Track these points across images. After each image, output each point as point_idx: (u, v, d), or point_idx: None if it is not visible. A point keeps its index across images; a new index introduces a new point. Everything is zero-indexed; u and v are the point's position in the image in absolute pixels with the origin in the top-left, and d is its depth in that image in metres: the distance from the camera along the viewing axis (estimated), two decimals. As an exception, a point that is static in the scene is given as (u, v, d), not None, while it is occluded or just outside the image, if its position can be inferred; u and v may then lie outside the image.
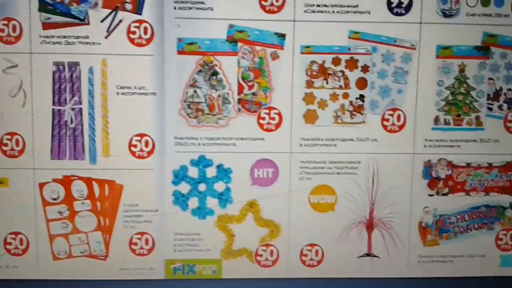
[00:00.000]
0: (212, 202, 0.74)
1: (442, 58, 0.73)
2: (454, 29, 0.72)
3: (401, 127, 0.74)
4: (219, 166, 0.73)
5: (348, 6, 0.71)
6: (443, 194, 0.75)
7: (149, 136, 0.72)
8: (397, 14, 0.72)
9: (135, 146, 0.72)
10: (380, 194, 0.75)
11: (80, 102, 0.71)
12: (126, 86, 0.71)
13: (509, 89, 0.74)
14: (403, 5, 0.71)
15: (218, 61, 0.71)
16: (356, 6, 0.71)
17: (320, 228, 0.75)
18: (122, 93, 0.71)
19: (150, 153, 0.72)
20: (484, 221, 0.76)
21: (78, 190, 0.73)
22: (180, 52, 0.71)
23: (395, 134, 0.74)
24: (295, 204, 0.75)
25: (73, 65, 0.70)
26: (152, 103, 0.71)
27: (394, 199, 0.75)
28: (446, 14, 0.72)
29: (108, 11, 0.69)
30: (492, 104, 0.74)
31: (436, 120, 0.74)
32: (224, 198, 0.74)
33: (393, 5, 0.71)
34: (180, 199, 0.74)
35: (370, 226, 0.75)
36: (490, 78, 0.73)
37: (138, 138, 0.72)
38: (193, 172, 0.73)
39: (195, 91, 0.71)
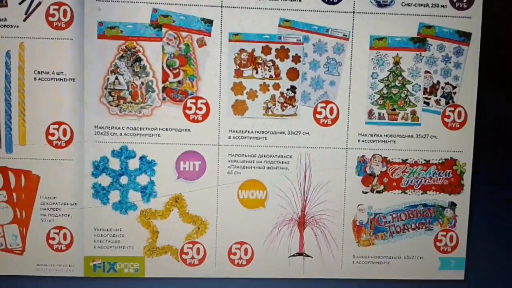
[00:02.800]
0: (134, 196, 0.70)
1: (376, 50, 0.70)
2: (388, 19, 0.70)
3: (334, 120, 0.71)
4: (142, 158, 0.70)
5: (278, -7, 0.69)
6: (378, 192, 0.72)
7: (67, 125, 0.68)
8: (329, 2, 0.69)
9: (53, 134, 0.68)
10: (312, 190, 0.71)
11: (-4, 88, 0.68)
12: (44, 71, 0.68)
13: (446, 83, 0.71)
14: (336, -7, 0.69)
15: (141, 47, 0.68)
16: (287, -7, 0.69)
17: (250, 225, 0.72)
18: (40, 79, 0.68)
19: (68, 142, 0.69)
20: (422, 221, 0.72)
21: (-6, 181, 0.70)
22: (101, 36, 0.67)
23: (328, 128, 0.71)
24: (223, 199, 0.71)
25: (-11, 49, 0.67)
26: (71, 90, 0.68)
27: (327, 195, 0.71)
28: (380, 4, 0.69)
29: (26, -8, 0.67)
30: (429, 99, 0.71)
31: (370, 114, 0.71)
32: (147, 192, 0.70)
33: (325, -7, 0.69)
34: (101, 192, 0.70)
35: (302, 223, 0.72)
36: (426, 71, 0.71)
37: (56, 126, 0.68)
38: (114, 163, 0.70)
39: (116, 78, 0.68)
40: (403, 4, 0.70)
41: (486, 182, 0.72)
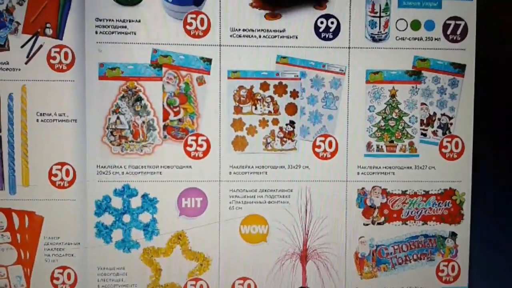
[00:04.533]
0: (137, 234, 0.71)
1: (372, 83, 0.71)
2: (383, 53, 0.71)
3: (333, 153, 0.71)
4: (144, 196, 0.70)
5: (275, 31, 0.70)
6: (379, 223, 0.72)
7: (70, 165, 0.69)
8: (325, 38, 0.70)
9: (56, 175, 0.69)
10: (313, 223, 0.72)
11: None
12: (46, 112, 0.68)
13: (443, 114, 0.72)
14: (331, 30, 0.70)
15: (142, 87, 0.69)
16: (283, 30, 0.70)
17: (252, 261, 0.72)
18: (42, 120, 0.69)
19: (71, 182, 0.69)
20: (423, 252, 0.73)
21: (-3, 222, 0.70)
22: (102, 77, 0.69)
23: (327, 161, 0.71)
24: (225, 235, 0.71)
25: (-8, 92, 0.68)
26: (73, 130, 0.69)
27: (329, 229, 0.72)
28: (375, 39, 0.71)
29: (28, 36, 0.68)
30: (426, 130, 0.72)
31: (369, 146, 0.71)
32: (149, 229, 0.71)
33: (321, 29, 0.70)
34: (103, 231, 0.70)
35: (304, 257, 0.72)
36: (423, 103, 0.72)
37: (59, 167, 0.69)
38: (116, 202, 0.70)
39: (118, 118, 0.69)
40: (397, 38, 0.71)
41: (486, 211, 0.73)
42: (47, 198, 0.69)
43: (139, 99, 0.69)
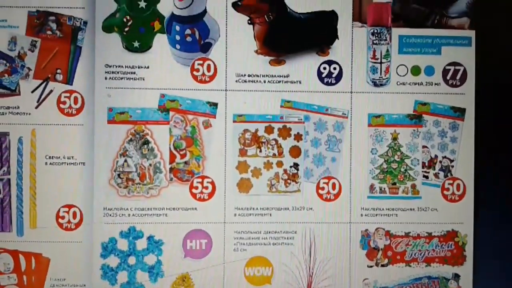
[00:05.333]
0: (142, 276, 0.71)
1: (374, 127, 0.73)
2: (385, 98, 0.73)
3: (336, 195, 0.72)
4: (150, 238, 0.71)
5: (279, 76, 0.72)
6: (383, 265, 0.73)
7: (77, 207, 0.70)
8: (328, 83, 0.72)
9: (63, 217, 0.70)
10: (318, 265, 0.72)
11: (8, 173, 0.70)
12: (55, 156, 0.70)
13: (444, 157, 0.73)
14: (334, 75, 0.72)
15: (149, 130, 0.71)
16: (288, 76, 0.72)
17: (257, 302, 0.72)
18: (51, 163, 0.70)
19: (78, 225, 0.70)
20: (427, 293, 0.73)
21: (4, 264, 0.70)
22: (111, 121, 0.70)
23: (331, 203, 0.72)
24: (230, 277, 0.72)
25: (3, 136, 0.70)
26: (81, 173, 0.70)
27: (333, 271, 0.72)
28: (376, 84, 0.73)
29: (39, 81, 0.70)
30: (428, 172, 0.73)
31: (372, 188, 0.73)
32: (155, 271, 0.71)
33: (324, 75, 0.72)
34: (109, 273, 0.71)
35: (308, 299, 0.72)
36: (424, 146, 0.73)
37: (66, 209, 0.70)
38: (122, 244, 0.71)
39: (125, 161, 0.71)
40: (398, 83, 0.73)
41: (488, 252, 0.73)
42: (54, 240, 0.70)
43: (147, 142, 0.71)
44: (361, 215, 0.72)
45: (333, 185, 0.72)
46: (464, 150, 0.73)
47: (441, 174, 0.73)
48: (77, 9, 0.70)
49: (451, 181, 0.73)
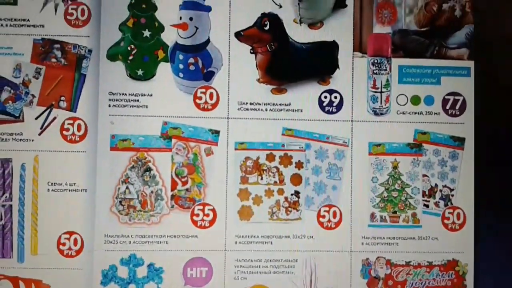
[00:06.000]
0: (142, 303, 0.71)
1: (375, 155, 0.73)
2: (385, 126, 0.73)
3: (337, 223, 0.73)
4: (150, 266, 0.71)
5: (281, 105, 0.73)
6: (384, 294, 0.73)
7: (78, 234, 0.70)
8: (328, 112, 0.73)
9: (64, 244, 0.70)
10: (318, 294, 0.72)
11: (10, 199, 0.70)
12: (57, 182, 0.70)
13: (444, 186, 0.74)
14: (334, 104, 0.73)
15: (151, 157, 0.71)
16: (289, 104, 0.73)
17: (257, 331, 0.72)
18: (53, 190, 0.70)
19: (79, 251, 0.70)
20: (428, 323, 0.73)
21: (4, 290, 0.70)
22: (113, 148, 0.71)
23: (331, 231, 0.72)
24: (230, 305, 0.72)
25: (6, 162, 0.70)
26: (83, 200, 0.70)
27: (333, 299, 0.72)
28: (376, 113, 0.73)
29: (43, 108, 0.70)
30: (428, 201, 0.74)
31: (372, 216, 0.73)
32: (155, 299, 0.71)
33: (325, 103, 0.73)
34: (109, 300, 0.70)
35: (309, 328, 0.72)
36: (424, 175, 0.74)
37: (67, 236, 0.70)
38: (123, 272, 0.71)
39: (127, 188, 0.71)
40: (398, 112, 0.74)
41: (489, 282, 0.73)
42: (55, 266, 0.70)
43: (149, 169, 0.71)
44: (362, 243, 0.73)
45: (334, 213, 0.73)
46: (464, 179, 0.74)
47: (442, 203, 0.74)
48: (82, 37, 0.71)
49: (451, 210, 0.74)
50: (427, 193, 0.74)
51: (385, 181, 0.73)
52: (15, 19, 0.70)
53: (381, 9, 0.74)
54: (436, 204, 0.74)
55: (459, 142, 0.74)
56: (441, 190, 0.74)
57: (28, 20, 0.71)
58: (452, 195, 0.74)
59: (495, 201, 0.74)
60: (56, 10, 0.71)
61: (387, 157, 0.73)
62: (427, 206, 0.73)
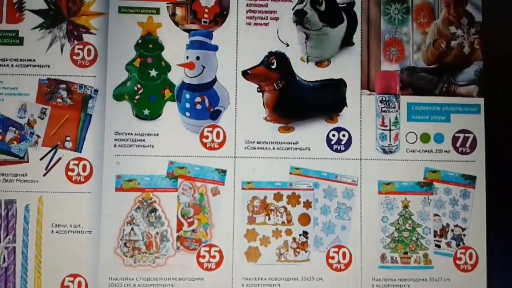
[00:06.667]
0: None
1: (385, 194, 0.72)
2: (395, 165, 0.72)
3: (347, 265, 0.71)
4: (156, 309, 0.69)
5: (288, 143, 0.72)
6: (395, 339, 0.71)
7: (82, 277, 0.69)
8: (337, 150, 0.72)
9: (68, 287, 0.68)
10: (328, 338, 0.70)
11: (14, 241, 0.69)
12: (62, 224, 0.69)
13: (456, 225, 0.72)
14: (343, 142, 0.72)
15: (157, 198, 0.70)
16: (297, 143, 0.72)
17: None
18: (57, 231, 0.69)
19: (82, 294, 0.69)
20: None
21: (5, 334, 0.69)
22: (119, 189, 0.70)
23: (341, 273, 0.71)
24: None
25: (10, 203, 0.69)
26: (87, 242, 0.69)
27: None
28: (386, 151, 0.72)
29: (48, 149, 0.70)
30: (440, 241, 0.72)
31: (383, 258, 0.71)
32: None
33: (333, 142, 0.72)
34: None
35: None
36: (435, 214, 0.72)
37: (71, 279, 0.69)
38: (127, 315, 0.69)
39: (132, 229, 0.70)
40: (408, 150, 0.73)
41: (504, 325, 0.71)
42: (58, 311, 0.68)
43: (154, 210, 0.70)
44: (373, 285, 0.71)
45: (344, 254, 0.71)
46: (475, 218, 0.72)
47: (453, 243, 0.72)
48: (88, 77, 0.71)
49: (463, 250, 0.72)
50: (438, 233, 0.72)
51: (395, 221, 0.72)
52: (20, 59, 0.70)
53: (389, 47, 0.74)
54: (448, 244, 0.72)
55: (470, 180, 0.72)
56: (452, 230, 0.72)
57: (34, 60, 0.70)
58: (464, 235, 0.72)
59: (508, 241, 0.72)
60: (62, 50, 0.71)
61: (397, 196, 0.72)
62: (438, 246, 0.72)
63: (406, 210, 0.72)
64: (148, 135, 0.71)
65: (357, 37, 0.74)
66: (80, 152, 0.70)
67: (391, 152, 0.72)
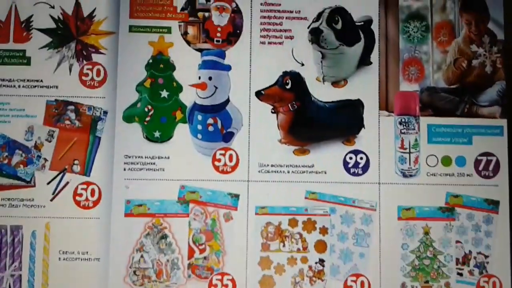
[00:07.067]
0: None
1: (405, 220, 0.69)
2: (415, 189, 0.70)
3: (365, 294, 0.68)
4: None
5: (303, 166, 0.69)
6: None
7: (90, 306, 0.66)
8: (354, 174, 0.69)
9: (75, 316, 0.66)
10: None
11: (20, 268, 0.67)
12: (69, 251, 0.67)
13: (479, 253, 0.69)
14: (360, 165, 0.70)
15: (168, 223, 0.68)
16: (312, 166, 0.69)
17: None
18: (64, 259, 0.66)
19: (90, 324, 0.66)
20: None
21: None
22: (128, 214, 0.67)
23: (359, 302, 0.68)
24: None
25: (16, 229, 0.67)
26: (96, 270, 0.66)
27: None
28: (405, 174, 0.70)
29: (55, 173, 0.68)
30: (462, 269, 0.69)
31: (403, 287, 0.68)
32: None
33: (350, 165, 0.70)
34: None
35: None
36: (457, 241, 0.69)
37: (78, 308, 0.66)
38: None
39: (142, 256, 0.67)
40: (429, 174, 0.70)
41: None
42: None
43: (165, 236, 0.67)
44: (392, 316, 0.68)
45: (362, 283, 0.68)
46: (499, 245, 0.69)
47: (476, 271, 0.69)
48: (97, 98, 0.69)
49: (486, 279, 0.69)
50: (460, 260, 0.69)
51: (416, 248, 0.69)
52: (28, 80, 0.68)
53: (408, 66, 0.71)
54: (471, 272, 0.69)
55: (493, 205, 0.70)
56: (475, 257, 0.69)
57: (42, 81, 0.69)
58: (487, 263, 0.69)
59: (534, 269, 0.69)
60: (70, 70, 0.69)
61: (418, 222, 0.69)
62: (461, 274, 0.69)
63: (427, 236, 0.69)
64: (158, 158, 0.68)
65: (374, 56, 0.71)
66: (89, 176, 0.68)
67: (411, 176, 0.70)
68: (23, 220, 0.67)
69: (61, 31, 0.70)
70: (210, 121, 0.69)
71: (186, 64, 0.70)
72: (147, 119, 0.69)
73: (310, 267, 0.68)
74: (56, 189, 0.67)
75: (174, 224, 0.68)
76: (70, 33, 0.70)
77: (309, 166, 0.69)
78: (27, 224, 0.67)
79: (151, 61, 0.69)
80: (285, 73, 0.70)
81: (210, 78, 0.69)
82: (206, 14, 0.71)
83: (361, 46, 0.71)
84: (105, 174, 0.68)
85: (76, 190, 0.67)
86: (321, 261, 0.68)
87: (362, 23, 0.72)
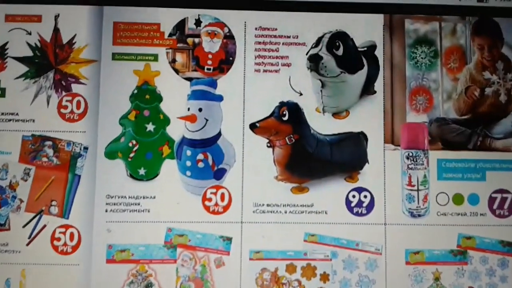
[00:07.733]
0: None
1: (413, 264, 0.64)
2: (424, 230, 0.65)
3: None
4: None
5: (302, 206, 0.64)
6: None
7: None
8: (358, 214, 0.64)
9: None
10: None
11: (-8, 319, 0.62)
12: (46, 300, 0.61)
13: (494, 300, 0.64)
14: (364, 205, 0.65)
15: (153, 270, 0.63)
16: (312, 205, 0.64)
17: None
18: (40, 309, 0.61)
19: None
20: None
21: None
22: (110, 260, 0.62)
23: None
24: None
25: (-12, 276, 0.62)
26: (75, 322, 0.61)
27: None
28: (413, 214, 0.65)
29: (31, 215, 0.63)
30: (476, 318, 0.63)
31: None
32: None
33: (353, 204, 0.65)
34: None
35: None
36: (470, 287, 0.64)
37: None
38: None
39: (125, 307, 0.62)
40: (439, 214, 0.65)
41: None
42: None
43: (150, 285, 0.62)
44: None
45: (366, 334, 0.63)
46: (517, 291, 0.64)
47: (492, 320, 0.63)
48: (77, 133, 0.64)
49: (504, 328, 0.63)
50: (474, 308, 0.64)
51: (425, 296, 0.64)
52: (2, 113, 0.64)
53: (415, 95, 0.67)
54: (486, 322, 0.63)
55: (509, 247, 0.65)
56: (490, 305, 0.64)
57: (17, 114, 0.64)
58: (505, 311, 0.64)
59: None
60: (48, 102, 0.64)
61: (427, 266, 0.64)
62: (475, 324, 0.63)
63: (438, 282, 0.64)
64: (143, 198, 0.63)
65: (379, 85, 0.67)
66: (67, 218, 0.63)
67: (419, 215, 0.65)
68: (-4, 267, 0.62)
69: (38, 59, 0.65)
70: (200, 156, 0.64)
71: (174, 94, 0.65)
72: (131, 155, 0.64)
73: (309, 317, 0.63)
74: (32, 232, 0.62)
75: (160, 271, 0.63)
76: (48, 62, 0.65)
77: (308, 206, 0.65)
78: (1, 271, 0.62)
79: (136, 91, 0.64)
80: (282, 104, 0.65)
81: (200, 110, 0.64)
82: (196, 40, 0.66)
83: (364, 74, 0.67)
84: (85, 216, 0.63)
85: (54, 233, 0.62)
86: (322, 310, 0.63)
87: (365, 48, 0.67)
